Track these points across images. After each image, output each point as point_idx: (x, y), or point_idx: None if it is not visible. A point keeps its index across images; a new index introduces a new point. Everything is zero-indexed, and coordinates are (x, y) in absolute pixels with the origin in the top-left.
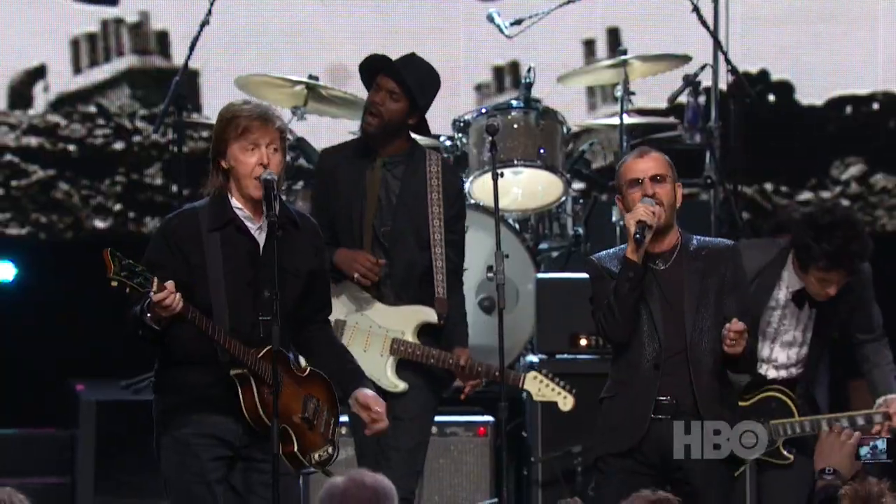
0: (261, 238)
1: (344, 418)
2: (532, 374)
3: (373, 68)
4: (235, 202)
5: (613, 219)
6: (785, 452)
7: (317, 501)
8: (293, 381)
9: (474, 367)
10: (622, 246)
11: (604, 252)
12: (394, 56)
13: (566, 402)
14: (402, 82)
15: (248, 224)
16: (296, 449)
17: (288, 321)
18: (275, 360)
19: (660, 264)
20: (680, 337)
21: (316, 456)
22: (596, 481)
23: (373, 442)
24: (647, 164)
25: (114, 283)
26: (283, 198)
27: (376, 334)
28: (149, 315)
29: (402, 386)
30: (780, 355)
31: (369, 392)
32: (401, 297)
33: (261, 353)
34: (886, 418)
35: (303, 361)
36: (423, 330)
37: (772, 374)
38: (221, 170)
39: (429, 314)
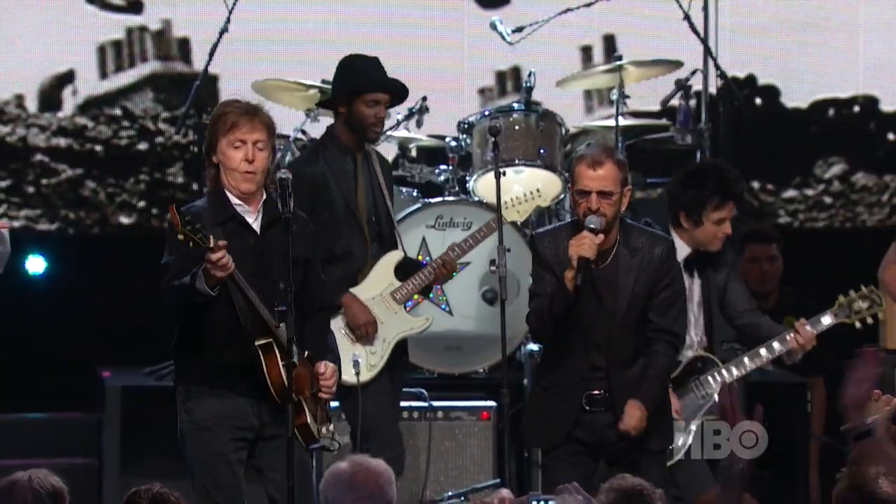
0: (258, 228)
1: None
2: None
3: (378, 89)
4: (233, 198)
5: None
6: None
7: (322, 484)
8: (302, 360)
9: (455, 253)
10: (563, 224)
11: (545, 229)
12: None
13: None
14: (390, 94)
15: (248, 218)
16: (308, 420)
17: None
18: (290, 348)
19: (597, 263)
20: (609, 334)
21: (324, 430)
22: (543, 464)
23: (375, 417)
24: (598, 176)
25: (181, 237)
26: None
27: (377, 304)
28: (206, 281)
29: (430, 318)
30: (702, 337)
31: (328, 366)
32: None
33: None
34: (794, 333)
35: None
36: (399, 270)
37: (688, 352)
38: (213, 165)
39: (395, 254)
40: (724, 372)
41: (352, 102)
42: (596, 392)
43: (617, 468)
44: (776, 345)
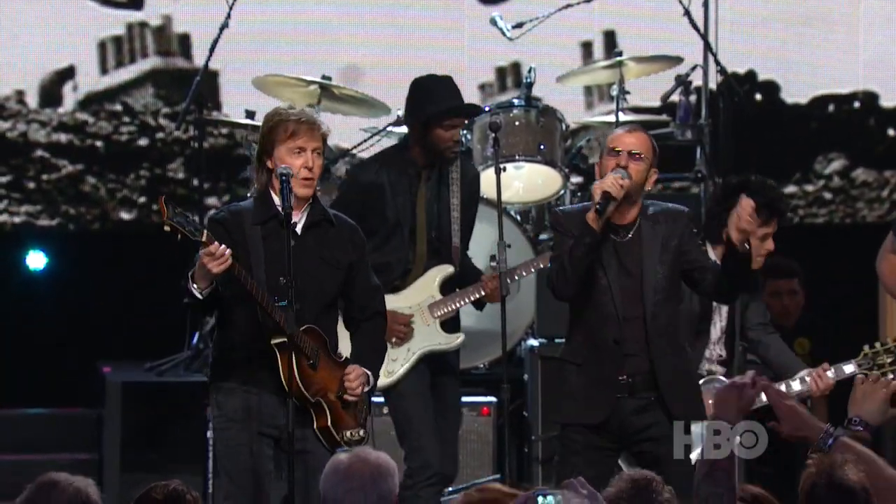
0: (299, 230)
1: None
2: None
3: (456, 114)
4: (276, 199)
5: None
6: None
7: (322, 476)
8: (331, 362)
9: (503, 279)
10: (585, 203)
11: (570, 206)
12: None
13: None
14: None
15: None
16: (329, 423)
17: (329, 308)
18: (290, 344)
19: (621, 235)
20: (638, 309)
21: (348, 434)
22: (560, 454)
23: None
24: (631, 140)
25: (167, 228)
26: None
27: (412, 313)
28: (192, 282)
29: (461, 336)
30: (720, 351)
31: (355, 368)
32: None
33: (302, 328)
34: (813, 376)
35: (344, 354)
36: (446, 285)
37: (711, 367)
38: (266, 169)
39: (444, 268)
40: None
41: (429, 127)
42: (620, 378)
43: (641, 463)
44: (794, 385)
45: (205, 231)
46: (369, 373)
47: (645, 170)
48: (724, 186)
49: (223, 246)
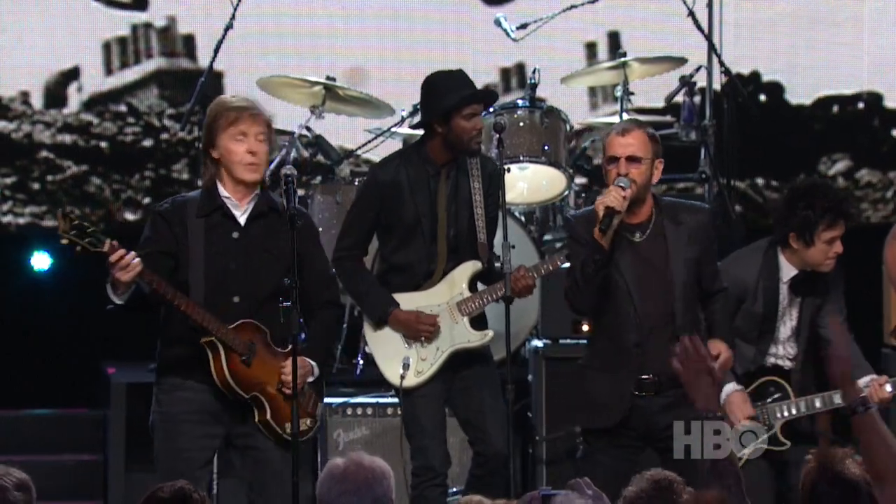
0: (243, 221)
1: (366, 399)
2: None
3: (473, 102)
4: (223, 191)
5: None
6: (782, 438)
7: (318, 481)
8: (271, 354)
9: (528, 274)
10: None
11: (581, 211)
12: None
13: None
14: (483, 104)
15: (235, 211)
16: (269, 416)
17: (274, 299)
18: (294, 343)
19: (637, 236)
20: (663, 308)
21: (295, 425)
22: (584, 451)
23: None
24: (627, 143)
25: (63, 241)
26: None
27: (441, 310)
28: (111, 288)
29: (490, 333)
30: (790, 349)
31: (304, 360)
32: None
33: (232, 326)
34: (872, 388)
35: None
36: (474, 281)
37: (779, 362)
38: (212, 160)
39: (473, 265)
40: (791, 407)
41: (449, 120)
42: (646, 377)
43: (668, 456)
44: (836, 398)
45: (107, 241)
46: (313, 363)
47: (647, 169)
48: (791, 191)
49: (130, 254)
